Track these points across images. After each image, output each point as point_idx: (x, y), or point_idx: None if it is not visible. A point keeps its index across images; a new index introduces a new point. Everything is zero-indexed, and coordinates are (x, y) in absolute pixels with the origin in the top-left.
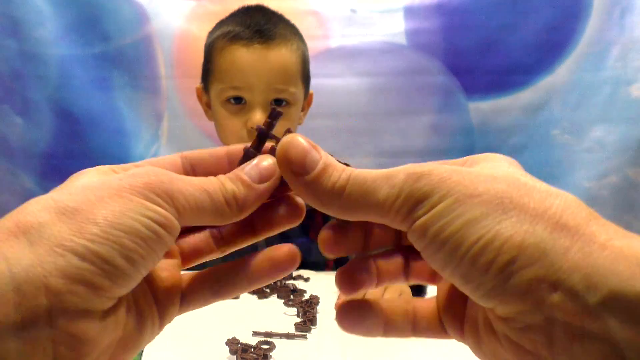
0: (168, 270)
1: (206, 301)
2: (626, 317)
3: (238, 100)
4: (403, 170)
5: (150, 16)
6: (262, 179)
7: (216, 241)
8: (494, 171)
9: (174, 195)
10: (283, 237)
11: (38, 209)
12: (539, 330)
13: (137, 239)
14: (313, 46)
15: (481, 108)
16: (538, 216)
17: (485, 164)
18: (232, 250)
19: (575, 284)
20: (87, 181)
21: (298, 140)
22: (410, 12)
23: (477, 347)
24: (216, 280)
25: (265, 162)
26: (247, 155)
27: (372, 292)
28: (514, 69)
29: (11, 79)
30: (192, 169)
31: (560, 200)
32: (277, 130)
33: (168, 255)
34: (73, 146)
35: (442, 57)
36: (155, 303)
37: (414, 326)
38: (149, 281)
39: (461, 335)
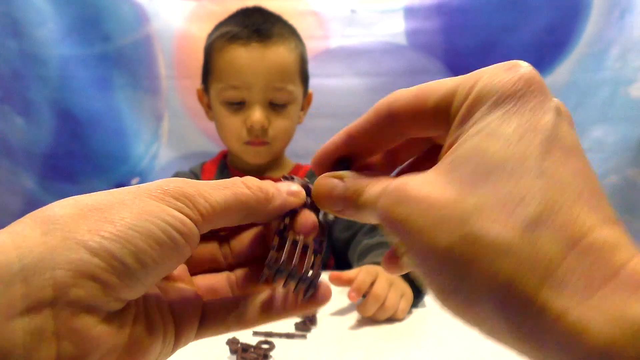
0: (189, 290)
1: (227, 328)
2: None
3: (237, 99)
4: None
5: (150, 16)
6: (288, 192)
7: (231, 286)
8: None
9: (195, 199)
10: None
11: (59, 205)
12: None
13: (152, 242)
14: (313, 46)
15: None
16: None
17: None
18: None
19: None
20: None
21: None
22: (410, 12)
23: None
24: (241, 308)
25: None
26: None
27: (361, 282)
28: None
29: (11, 79)
30: None
31: (509, 263)
32: (277, 127)
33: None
34: (73, 146)
35: (442, 57)
36: (172, 320)
37: None
38: (168, 296)
39: None
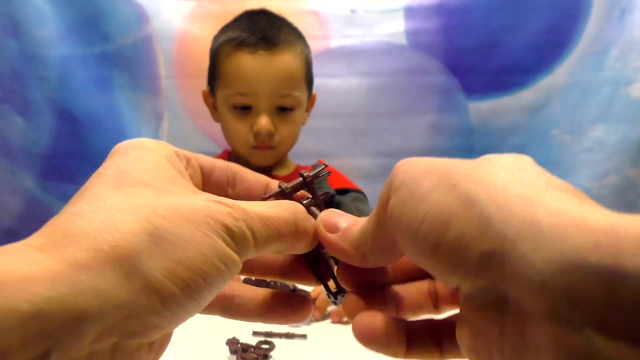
0: None
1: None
2: (572, 295)
3: (244, 105)
4: None
5: (150, 16)
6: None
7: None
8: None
9: (247, 235)
10: None
11: (134, 231)
12: (493, 308)
13: (210, 286)
14: (313, 46)
15: (481, 108)
16: (484, 185)
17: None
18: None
19: (520, 257)
20: (172, 188)
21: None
22: (410, 12)
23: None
24: (228, 300)
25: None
26: (282, 192)
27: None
28: (514, 69)
29: (11, 79)
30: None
31: (515, 170)
32: (283, 132)
33: None
34: (73, 146)
35: (442, 57)
36: None
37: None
38: None
39: None
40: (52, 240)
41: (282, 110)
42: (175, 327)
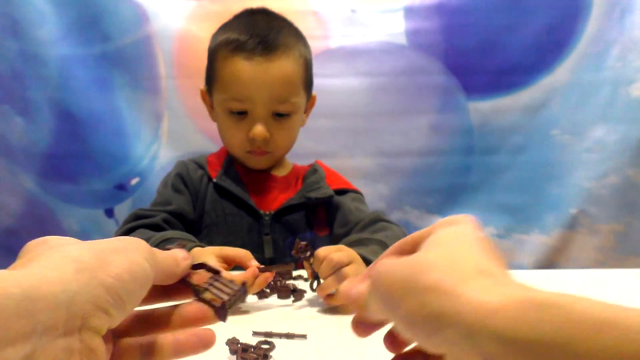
0: None
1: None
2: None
3: (240, 110)
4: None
5: (150, 16)
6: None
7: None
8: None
9: (155, 256)
10: (290, 232)
11: (79, 248)
12: None
13: (137, 284)
14: (313, 46)
15: (481, 108)
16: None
17: (437, 237)
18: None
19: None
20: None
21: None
22: (410, 12)
23: None
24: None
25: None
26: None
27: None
28: (514, 69)
29: (11, 79)
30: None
31: (451, 261)
32: (279, 138)
33: None
34: (73, 146)
35: (442, 57)
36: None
37: None
38: None
39: None
40: (21, 263)
41: (279, 116)
42: (119, 317)
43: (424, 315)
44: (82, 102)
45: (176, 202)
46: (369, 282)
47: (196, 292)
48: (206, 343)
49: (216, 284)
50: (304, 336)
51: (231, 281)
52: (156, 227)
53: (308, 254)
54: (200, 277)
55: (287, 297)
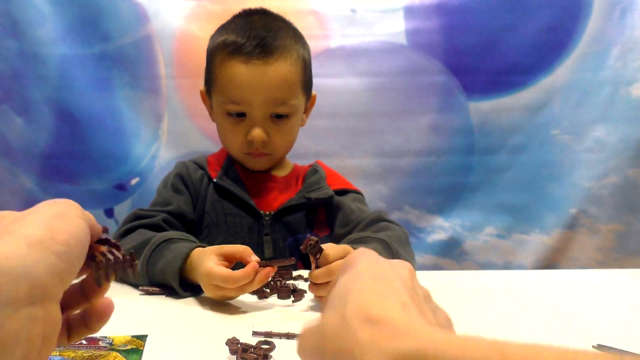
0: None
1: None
2: None
3: (238, 112)
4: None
5: (150, 16)
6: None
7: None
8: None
9: (91, 221)
10: (290, 232)
11: (29, 223)
12: None
13: (81, 247)
14: (313, 46)
15: (481, 108)
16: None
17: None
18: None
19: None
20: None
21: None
22: (410, 12)
23: None
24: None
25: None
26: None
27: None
28: (514, 69)
29: (11, 79)
30: None
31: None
32: (278, 140)
33: None
34: (73, 146)
35: (442, 57)
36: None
37: None
38: None
39: None
40: None
41: (278, 118)
42: (70, 281)
43: None
44: (82, 102)
45: (176, 203)
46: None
47: (92, 258)
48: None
49: (110, 255)
50: None
51: (125, 254)
52: (156, 228)
53: (318, 254)
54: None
55: (287, 297)
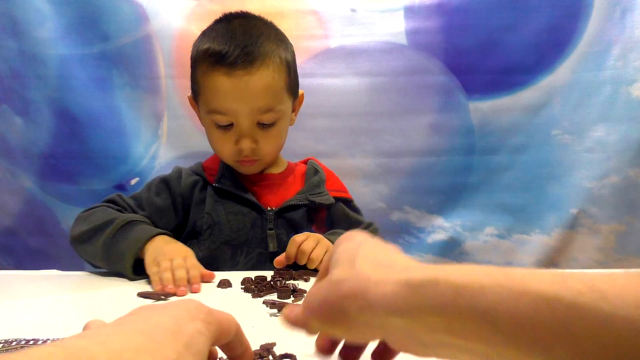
0: None
1: None
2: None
3: (224, 122)
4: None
5: (150, 16)
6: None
7: None
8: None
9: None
10: (292, 227)
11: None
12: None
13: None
14: (313, 46)
15: (481, 108)
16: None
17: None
18: None
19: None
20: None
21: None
22: (410, 12)
23: None
24: None
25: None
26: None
27: (306, 245)
28: (514, 69)
29: (11, 79)
30: None
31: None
32: (267, 146)
33: None
34: (73, 146)
35: (442, 57)
36: None
37: None
38: None
39: None
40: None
41: (265, 125)
42: None
43: (349, 318)
44: (82, 102)
45: (148, 210)
46: (302, 306)
47: None
48: None
49: None
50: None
51: None
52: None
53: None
54: None
55: (287, 297)
